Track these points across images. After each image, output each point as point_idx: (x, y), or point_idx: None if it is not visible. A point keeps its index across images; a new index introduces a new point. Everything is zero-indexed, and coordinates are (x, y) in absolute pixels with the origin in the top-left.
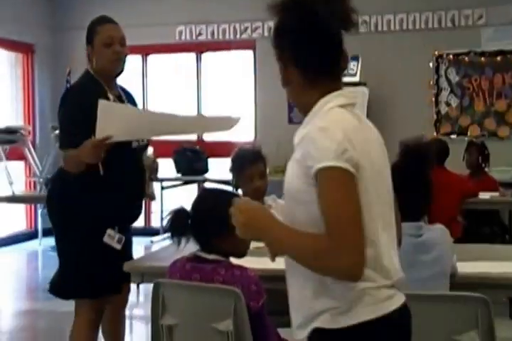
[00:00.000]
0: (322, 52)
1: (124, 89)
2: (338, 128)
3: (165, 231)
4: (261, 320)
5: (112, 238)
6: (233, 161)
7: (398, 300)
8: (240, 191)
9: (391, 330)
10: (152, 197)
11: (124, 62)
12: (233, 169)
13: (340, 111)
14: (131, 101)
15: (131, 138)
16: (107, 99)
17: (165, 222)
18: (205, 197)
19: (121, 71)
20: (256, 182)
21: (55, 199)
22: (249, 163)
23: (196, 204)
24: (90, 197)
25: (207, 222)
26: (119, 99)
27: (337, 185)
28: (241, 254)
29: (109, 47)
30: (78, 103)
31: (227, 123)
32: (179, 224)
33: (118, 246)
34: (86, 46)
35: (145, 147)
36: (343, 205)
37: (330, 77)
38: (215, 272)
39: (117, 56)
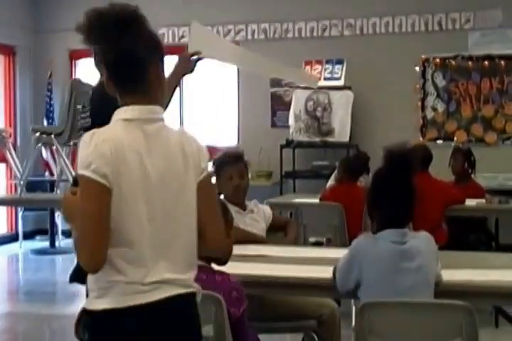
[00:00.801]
0: (117, 72)
1: None
2: (97, 140)
3: None
4: (242, 326)
5: None
6: (214, 163)
7: (149, 298)
8: (221, 196)
9: (131, 323)
10: None
11: None
12: (214, 171)
13: (120, 124)
14: None
15: (219, 60)
16: None
17: None
18: None
19: None
20: (235, 180)
21: None
22: (229, 162)
23: None
24: None
25: None
26: None
27: (84, 189)
28: (223, 262)
29: None
30: None
31: (307, 80)
32: None
33: None
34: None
35: None
36: (84, 205)
37: (129, 92)
38: (196, 277)
39: None
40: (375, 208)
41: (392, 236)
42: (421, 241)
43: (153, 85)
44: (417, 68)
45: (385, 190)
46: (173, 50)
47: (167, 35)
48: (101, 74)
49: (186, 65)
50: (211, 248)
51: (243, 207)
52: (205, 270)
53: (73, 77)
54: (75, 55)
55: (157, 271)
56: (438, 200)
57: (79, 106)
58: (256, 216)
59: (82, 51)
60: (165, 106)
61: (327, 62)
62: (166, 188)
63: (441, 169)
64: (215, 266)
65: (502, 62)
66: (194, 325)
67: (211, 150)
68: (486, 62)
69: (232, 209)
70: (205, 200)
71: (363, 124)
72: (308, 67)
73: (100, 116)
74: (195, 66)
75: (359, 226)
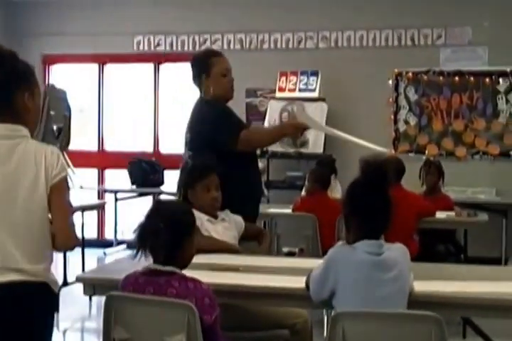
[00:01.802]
0: None
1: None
2: None
3: (118, 244)
4: (214, 333)
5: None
6: (186, 173)
7: None
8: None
9: None
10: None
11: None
12: (186, 181)
13: None
14: None
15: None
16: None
17: (132, 236)
18: (160, 209)
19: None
20: (213, 192)
21: None
22: (206, 173)
23: (151, 216)
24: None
25: (163, 234)
26: None
27: None
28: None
29: (225, 77)
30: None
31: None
32: (146, 237)
33: None
34: (198, 75)
35: None
36: None
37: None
38: (169, 284)
39: (231, 84)
40: (351, 219)
41: (369, 247)
42: (397, 252)
43: (20, 110)
44: (390, 82)
45: (362, 201)
46: (148, 57)
47: (143, 43)
48: None
49: (295, 132)
50: (55, 240)
51: (215, 216)
52: (177, 277)
53: (47, 82)
54: (48, 60)
55: None
56: (411, 212)
57: (52, 112)
58: (228, 224)
59: (56, 56)
60: (45, 129)
61: (302, 73)
62: (10, 188)
63: (412, 181)
64: (186, 273)
65: (472, 79)
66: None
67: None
68: (457, 78)
69: (204, 217)
70: (54, 201)
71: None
72: (283, 78)
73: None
74: (301, 135)
75: (332, 237)
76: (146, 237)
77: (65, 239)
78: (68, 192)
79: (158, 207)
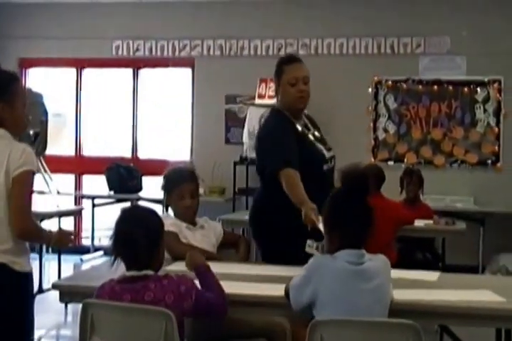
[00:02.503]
0: None
1: (308, 116)
2: None
3: (95, 250)
4: (202, 300)
5: (311, 247)
6: (165, 179)
7: None
8: (170, 210)
9: None
10: None
11: (307, 98)
12: (164, 187)
13: None
14: (316, 126)
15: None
16: (296, 130)
17: (109, 243)
18: (130, 215)
19: (305, 105)
20: (186, 200)
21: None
22: (181, 181)
23: (122, 223)
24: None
25: (137, 240)
26: (306, 127)
27: None
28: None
29: (293, 86)
30: (285, 126)
31: None
32: (124, 245)
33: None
34: (275, 81)
35: (333, 169)
36: None
37: None
38: (146, 289)
39: (300, 94)
40: (333, 228)
41: (350, 257)
42: (378, 263)
43: (2, 116)
44: (370, 90)
45: (343, 211)
46: (127, 62)
47: (121, 48)
48: None
49: (307, 218)
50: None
51: (193, 223)
52: (152, 279)
53: (23, 85)
54: (25, 64)
55: None
56: (390, 220)
57: (30, 117)
58: (206, 232)
59: (33, 60)
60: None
61: None
62: None
63: (391, 189)
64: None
65: (450, 88)
66: None
67: (163, 164)
68: (436, 87)
69: (182, 224)
70: (12, 191)
71: None
72: (263, 85)
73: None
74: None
75: None
76: (124, 245)
77: (17, 224)
78: (28, 184)
79: (129, 213)
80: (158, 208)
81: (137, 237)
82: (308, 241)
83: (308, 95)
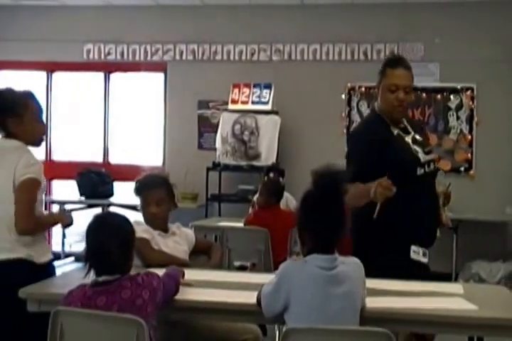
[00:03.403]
0: None
1: (409, 118)
2: None
3: (66, 256)
4: (165, 287)
5: (417, 253)
6: (135, 185)
7: None
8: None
9: None
10: (448, 225)
11: (406, 108)
12: (135, 193)
13: None
14: (418, 129)
15: None
16: (391, 134)
17: (68, 250)
18: (103, 224)
19: (403, 115)
20: (151, 208)
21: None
22: (146, 188)
23: (95, 232)
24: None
25: (110, 249)
26: (404, 130)
27: None
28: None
29: (393, 93)
30: (371, 137)
31: None
32: (98, 253)
33: (425, 260)
34: (378, 75)
35: (435, 172)
36: None
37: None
38: (121, 287)
39: (399, 103)
40: (305, 231)
41: (321, 262)
42: (350, 267)
43: (14, 129)
44: (343, 96)
45: (315, 213)
46: (99, 66)
47: (92, 51)
48: None
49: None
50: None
51: (165, 230)
52: (126, 278)
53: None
54: None
55: None
56: None
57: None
58: (178, 238)
59: (1, 62)
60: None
61: (255, 86)
62: None
63: None
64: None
65: (424, 95)
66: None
67: (135, 169)
68: None
69: (154, 232)
70: (16, 195)
71: (289, 149)
72: (236, 90)
73: None
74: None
75: (284, 251)
76: (97, 254)
77: (18, 222)
78: (32, 189)
79: (102, 221)
80: (130, 214)
81: (111, 247)
82: (413, 247)
83: (407, 105)
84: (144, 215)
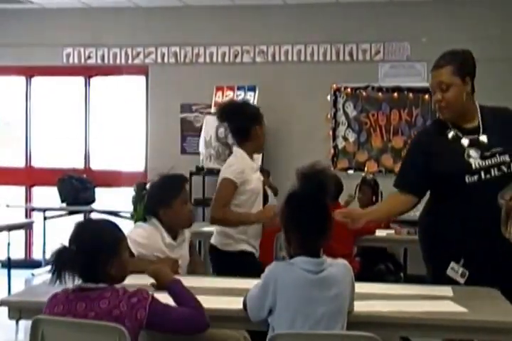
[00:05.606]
0: None
1: (494, 117)
2: None
3: (47, 264)
4: (162, 313)
5: (455, 271)
6: (160, 188)
7: None
8: (154, 219)
9: None
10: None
11: (448, 107)
12: (162, 196)
13: None
14: (489, 129)
15: None
16: (446, 136)
17: (48, 258)
18: (86, 228)
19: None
20: (189, 205)
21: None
22: (182, 186)
23: (79, 236)
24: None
25: (95, 252)
26: (468, 132)
27: None
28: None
29: (434, 94)
30: (418, 143)
31: None
32: (65, 263)
33: (461, 280)
34: None
35: (501, 179)
36: None
37: None
38: (101, 296)
39: (438, 104)
40: (290, 231)
41: (307, 265)
42: (338, 269)
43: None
44: (329, 97)
45: (300, 211)
46: (79, 70)
47: (72, 55)
48: None
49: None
50: None
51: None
52: (109, 289)
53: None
54: None
55: None
56: (349, 231)
57: None
58: (183, 251)
59: None
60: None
61: (239, 88)
62: None
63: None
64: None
65: (410, 95)
66: None
67: (116, 175)
68: (396, 94)
69: (163, 246)
70: None
71: (274, 152)
72: (219, 93)
73: None
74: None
75: (270, 256)
76: (62, 261)
77: None
78: None
79: (83, 227)
80: (114, 220)
81: (96, 248)
82: (453, 264)
83: (447, 104)
84: (181, 215)
